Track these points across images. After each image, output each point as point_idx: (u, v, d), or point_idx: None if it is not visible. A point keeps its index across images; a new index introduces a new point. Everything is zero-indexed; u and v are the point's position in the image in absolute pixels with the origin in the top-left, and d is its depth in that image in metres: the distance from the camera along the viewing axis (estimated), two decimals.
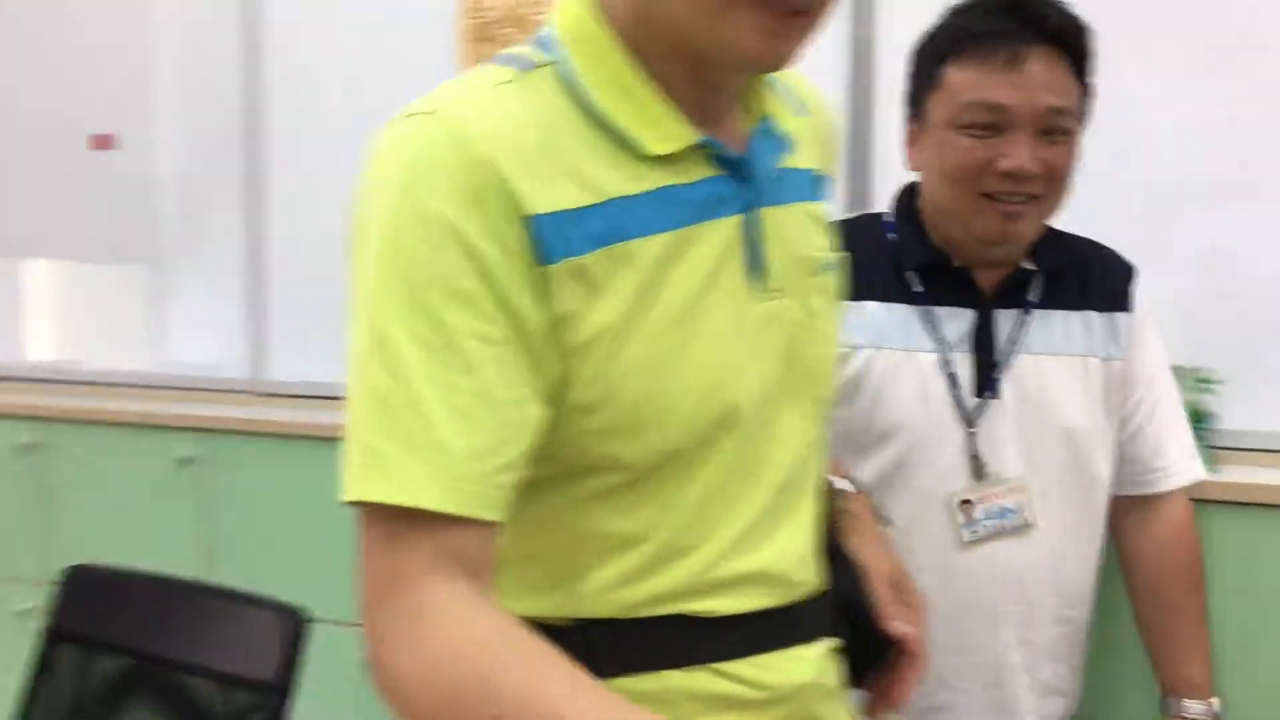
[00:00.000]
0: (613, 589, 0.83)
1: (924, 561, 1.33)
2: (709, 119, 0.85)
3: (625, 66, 0.83)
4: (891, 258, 1.45)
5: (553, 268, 0.78)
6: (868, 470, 1.40)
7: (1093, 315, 1.46)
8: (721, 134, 0.86)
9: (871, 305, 1.42)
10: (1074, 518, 1.44)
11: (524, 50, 0.84)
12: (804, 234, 0.92)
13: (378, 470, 0.74)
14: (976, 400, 1.41)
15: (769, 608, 0.88)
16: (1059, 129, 1.35)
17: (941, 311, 1.43)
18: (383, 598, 0.75)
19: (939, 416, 1.41)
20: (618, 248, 0.80)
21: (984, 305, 1.43)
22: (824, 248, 0.95)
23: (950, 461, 1.41)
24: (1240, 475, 1.68)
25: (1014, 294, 1.44)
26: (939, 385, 1.41)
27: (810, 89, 0.97)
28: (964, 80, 1.35)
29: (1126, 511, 1.51)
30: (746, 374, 0.85)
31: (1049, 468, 1.43)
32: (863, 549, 1.03)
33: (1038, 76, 1.33)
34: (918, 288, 1.43)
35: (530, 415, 0.77)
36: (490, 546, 0.77)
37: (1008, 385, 1.42)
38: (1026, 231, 1.40)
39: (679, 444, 0.82)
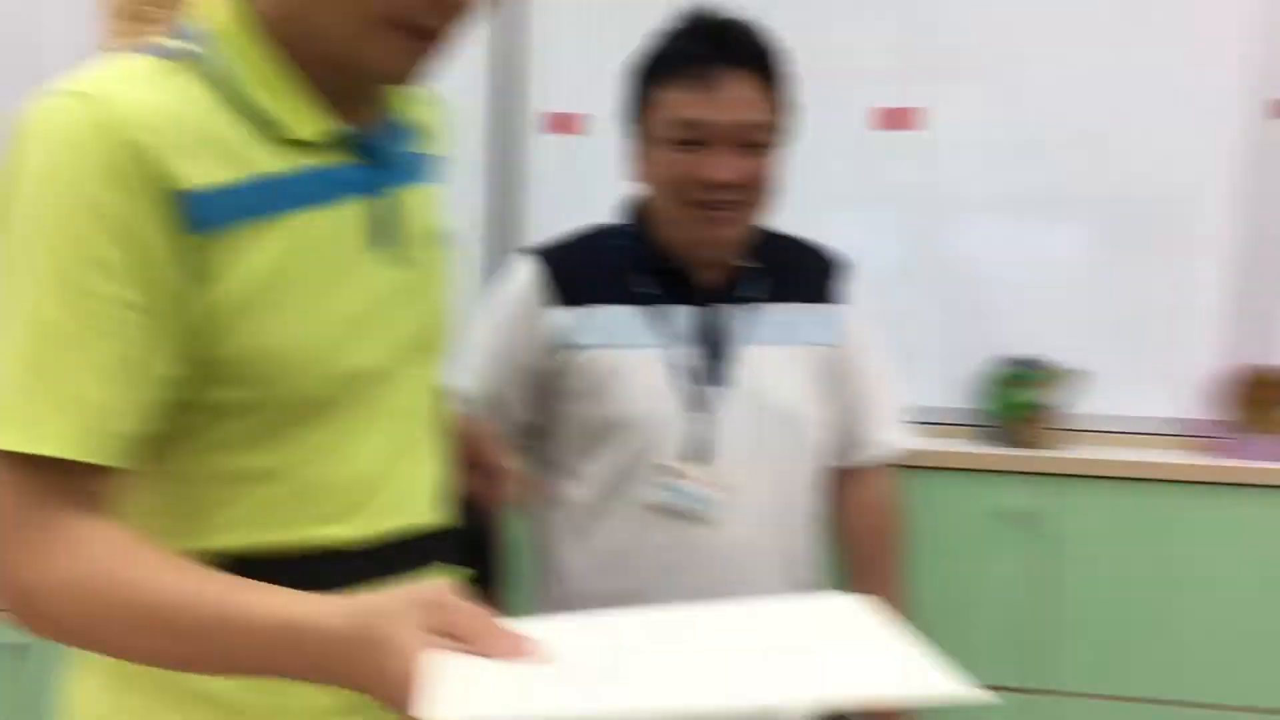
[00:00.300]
0: (252, 524, 0.91)
1: (625, 537, 1.51)
2: (347, 109, 0.93)
3: (269, 58, 0.90)
4: (618, 263, 1.54)
5: (200, 238, 0.85)
6: (606, 458, 1.52)
7: (810, 307, 1.58)
8: (358, 123, 0.95)
9: (600, 309, 1.53)
10: (791, 491, 1.56)
11: (166, 41, 0.91)
12: (428, 211, 1.04)
13: (20, 422, 0.82)
14: (701, 390, 1.51)
15: (397, 537, 0.98)
16: (755, 142, 1.47)
17: (669, 309, 1.53)
18: (17, 529, 0.83)
19: (665, 407, 1.50)
20: (262, 220, 0.88)
21: (708, 302, 1.54)
22: (443, 223, 1.07)
23: (675, 449, 1.50)
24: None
25: (735, 290, 1.55)
26: (664, 379, 1.51)
27: (430, 85, 1.03)
28: (669, 100, 1.47)
29: (837, 480, 1.64)
30: (378, 334, 0.96)
31: (770, 448, 1.53)
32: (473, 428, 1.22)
33: (732, 96, 1.46)
34: (646, 289, 1.53)
35: (167, 374, 0.86)
36: (117, 489, 0.86)
37: (732, 375, 1.52)
38: (732, 235, 1.52)
39: (316, 394, 0.92)
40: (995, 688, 0.75)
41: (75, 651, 0.93)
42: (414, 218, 1.00)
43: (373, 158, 0.95)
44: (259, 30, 0.89)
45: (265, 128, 0.89)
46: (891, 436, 1.65)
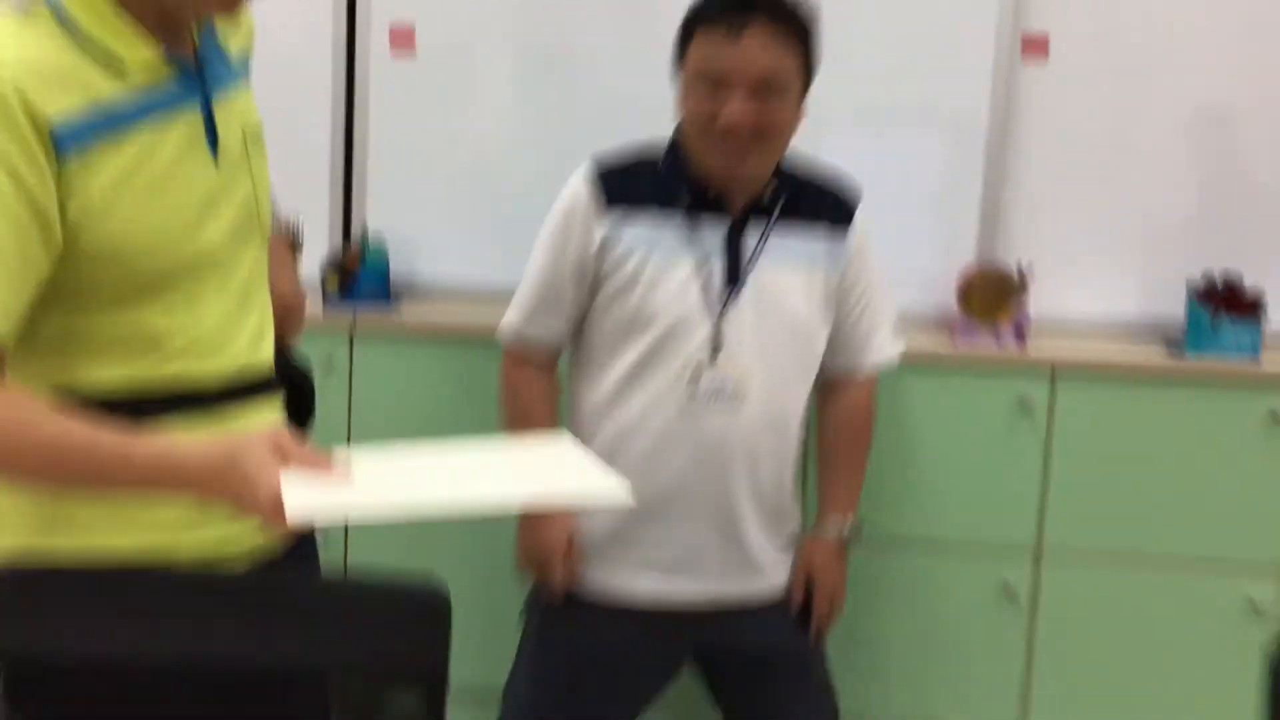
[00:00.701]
0: (121, 366, 1.18)
1: (665, 418, 1.77)
2: (170, 37, 1.17)
3: (104, 3, 1.13)
4: (660, 181, 1.79)
5: (66, 157, 1.09)
6: (633, 350, 1.78)
7: (820, 232, 1.82)
8: (181, 47, 1.18)
9: (644, 219, 1.78)
10: (793, 386, 1.84)
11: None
12: (245, 112, 1.29)
13: None
14: (724, 295, 1.78)
15: (238, 376, 1.25)
16: (771, 89, 1.69)
17: (700, 225, 1.78)
18: None
19: (692, 308, 1.77)
20: (109, 139, 1.12)
21: (734, 222, 1.79)
22: (258, 121, 1.32)
23: (696, 345, 1.77)
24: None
25: (759, 214, 1.79)
26: (694, 283, 1.77)
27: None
28: (700, 46, 1.72)
29: (832, 384, 1.92)
30: (211, 223, 1.21)
31: (776, 349, 1.80)
32: (274, 272, 1.39)
33: (751, 47, 1.68)
34: (682, 206, 1.78)
35: (43, 266, 1.10)
36: (4, 358, 1.10)
37: (749, 285, 1.78)
38: (748, 171, 1.76)
39: (164, 271, 1.18)
40: None
41: None
42: (234, 121, 1.25)
43: (196, 75, 1.19)
44: None
45: (106, 61, 1.12)
46: (884, 352, 1.92)
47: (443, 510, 1.04)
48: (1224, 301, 2.17)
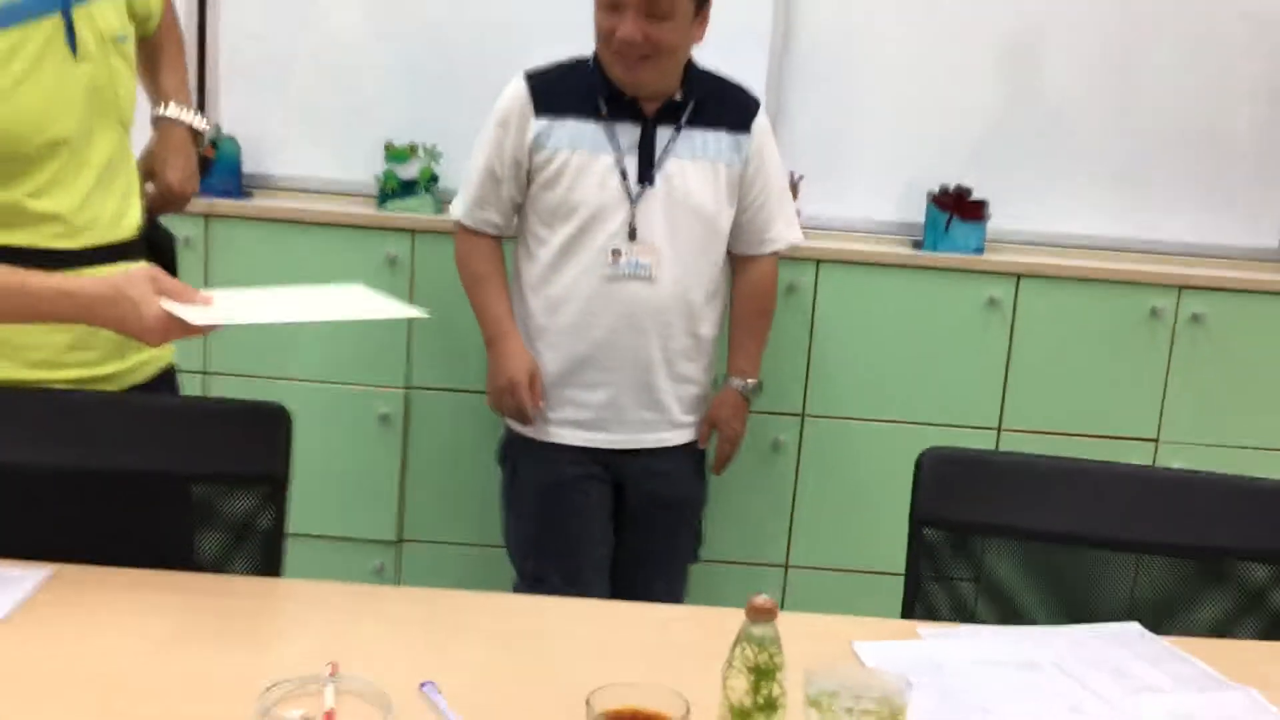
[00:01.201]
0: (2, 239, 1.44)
1: (589, 291, 2.07)
2: None
3: None
4: (583, 89, 2.06)
5: None
6: (561, 233, 2.07)
7: (723, 133, 2.10)
8: None
9: (568, 120, 2.05)
10: (698, 267, 2.12)
11: None
12: (110, 17, 1.52)
13: None
14: (638, 188, 2.06)
15: (105, 243, 1.53)
16: (656, 13, 1.94)
17: (618, 127, 2.06)
18: None
19: (611, 197, 2.05)
20: None
21: (646, 123, 2.07)
22: (123, 29, 1.55)
23: (615, 229, 2.06)
24: None
25: (668, 116, 2.07)
26: (613, 177, 2.05)
27: None
28: None
29: (740, 264, 2.23)
30: (67, 111, 1.46)
31: (683, 234, 2.09)
32: (163, 150, 1.73)
33: None
34: (601, 109, 2.05)
35: None
36: None
37: (660, 178, 2.06)
38: (646, 81, 2.03)
39: (30, 154, 1.43)
40: None
41: None
42: (94, 26, 1.48)
43: None
44: None
45: None
46: (784, 237, 2.20)
47: (284, 321, 1.39)
48: (955, 207, 2.61)
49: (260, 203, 2.60)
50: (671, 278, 2.08)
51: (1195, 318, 2.59)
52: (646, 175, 2.05)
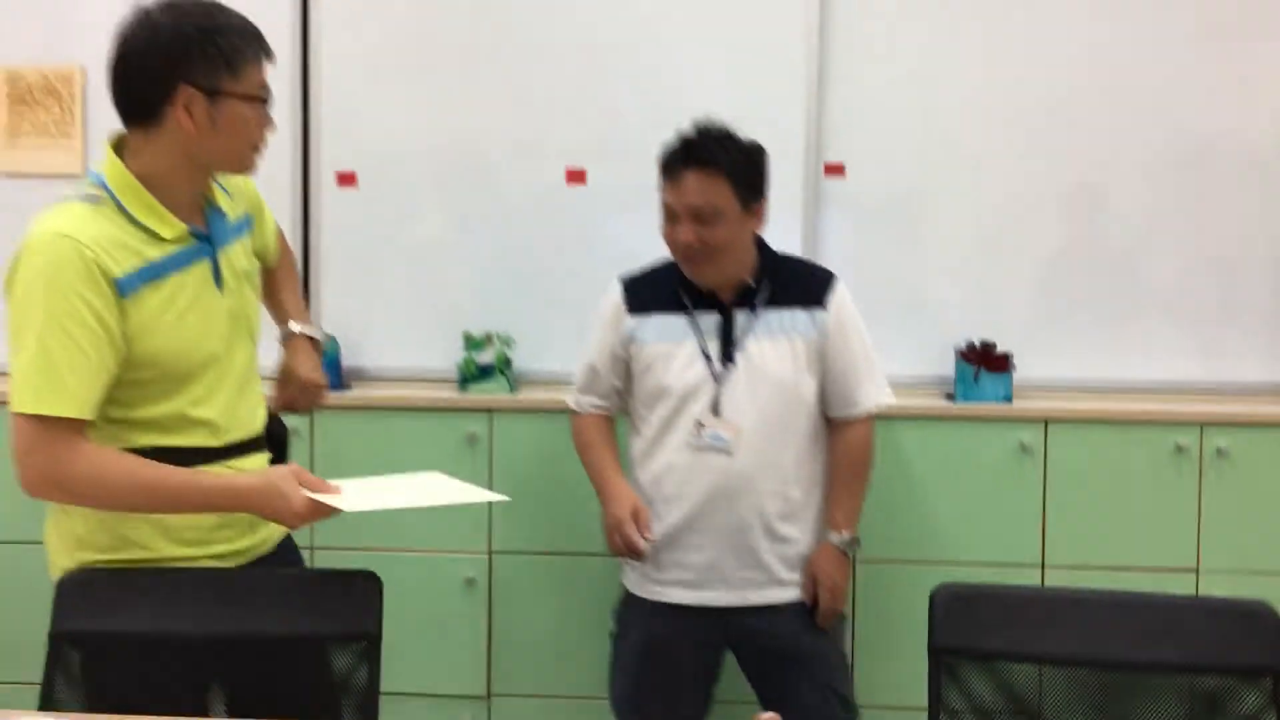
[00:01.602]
0: (157, 436, 1.75)
1: (682, 464, 2.30)
2: (189, 213, 1.78)
3: (145, 195, 1.73)
4: (667, 286, 2.36)
5: (125, 298, 1.68)
6: (658, 413, 2.33)
7: (798, 311, 2.32)
8: (196, 219, 1.80)
9: (657, 316, 2.35)
10: (783, 434, 2.31)
11: (91, 191, 1.73)
12: (241, 258, 1.89)
13: (38, 397, 1.63)
14: (721, 368, 2.30)
15: (241, 439, 1.85)
16: (703, 217, 2.23)
17: (700, 316, 2.33)
18: (47, 451, 1.65)
19: (697, 379, 2.30)
20: (154, 283, 1.72)
21: (725, 309, 2.33)
22: (253, 263, 1.93)
23: (702, 406, 2.29)
24: None
25: (744, 300, 2.32)
26: (698, 360, 2.31)
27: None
28: (663, 188, 2.30)
29: (834, 426, 2.38)
30: (216, 334, 1.80)
31: (765, 405, 2.29)
32: (294, 359, 2.08)
33: (687, 185, 2.25)
34: (686, 303, 2.33)
35: (111, 368, 1.68)
36: (87, 427, 1.67)
37: (740, 358, 2.29)
38: (709, 277, 2.31)
39: (185, 371, 1.76)
40: None
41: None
42: (233, 264, 1.84)
43: (206, 238, 1.80)
44: (134, 181, 1.72)
45: (147, 234, 1.72)
46: (872, 399, 2.36)
47: (396, 508, 1.75)
48: (982, 360, 2.83)
49: (357, 393, 2.95)
50: (754, 447, 2.27)
51: (1220, 452, 2.75)
52: (727, 356, 2.29)
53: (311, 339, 2.13)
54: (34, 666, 1.72)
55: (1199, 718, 1.65)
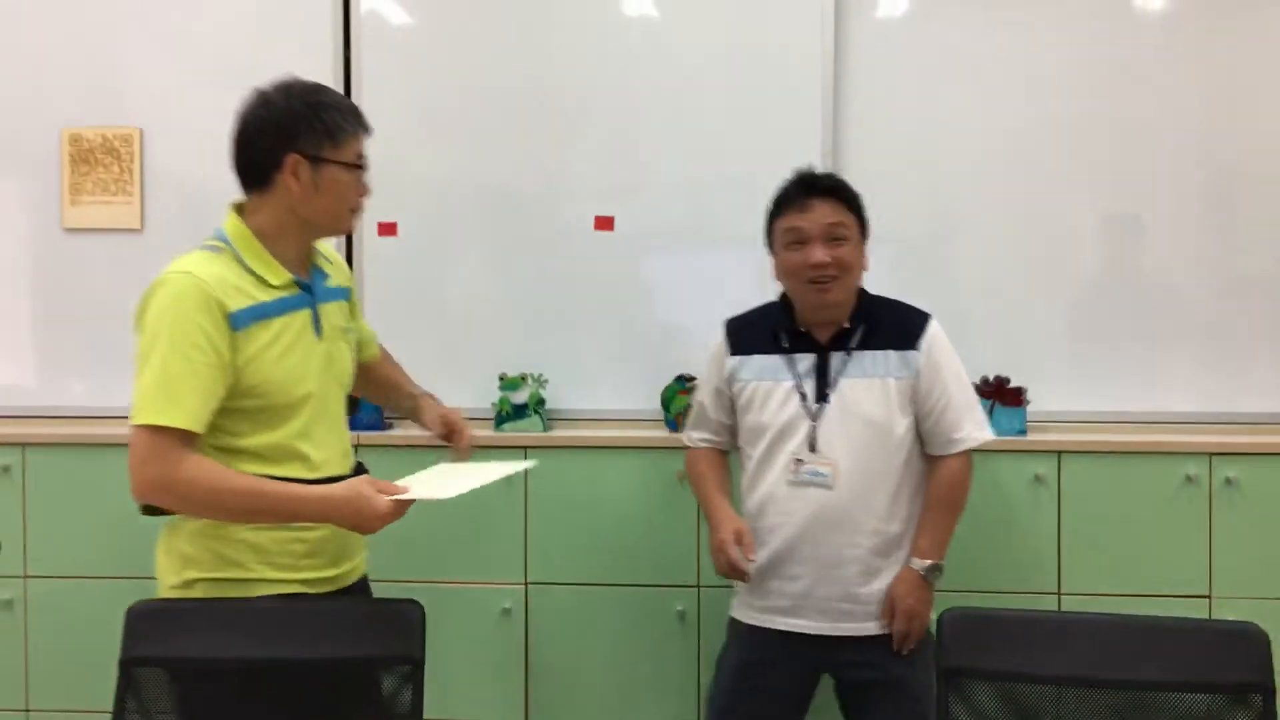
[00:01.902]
0: (258, 466, 1.95)
1: (781, 496, 2.40)
2: (295, 267, 2.04)
3: (257, 247, 2.00)
4: (767, 328, 2.49)
5: (236, 331, 1.92)
6: (759, 448, 2.44)
7: (890, 352, 2.41)
8: (302, 273, 2.06)
9: (757, 357, 2.47)
10: (877, 471, 2.39)
11: (213, 243, 2.00)
12: (339, 316, 2.13)
13: (156, 410, 1.85)
14: (816, 406, 2.40)
15: (332, 475, 2.02)
16: (837, 236, 2.38)
17: (797, 357, 2.44)
18: (161, 459, 1.85)
19: (793, 416, 2.41)
20: (262, 322, 1.96)
21: (821, 351, 2.43)
22: (349, 321, 2.18)
23: (799, 442, 2.40)
24: None
25: (839, 342, 2.43)
26: (794, 398, 2.41)
27: (332, 251, 2.22)
28: (784, 221, 2.43)
29: (932, 462, 2.46)
30: (313, 374, 2.03)
31: (859, 443, 2.38)
32: (440, 407, 2.36)
33: (818, 209, 2.40)
34: (784, 344, 2.45)
35: (220, 392, 1.91)
36: (200, 440, 1.89)
37: (834, 397, 2.40)
38: (837, 299, 2.40)
39: (287, 404, 1.98)
40: None
41: (163, 523, 2.00)
42: (330, 319, 2.09)
43: (308, 290, 2.05)
44: (250, 235, 2.00)
45: (259, 280, 1.98)
46: (969, 435, 2.42)
47: (458, 494, 1.93)
48: (997, 394, 2.94)
49: (398, 432, 3.09)
50: (849, 483, 2.37)
51: (1228, 481, 2.84)
52: (822, 395, 2.40)
53: (432, 397, 2.42)
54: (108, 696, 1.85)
55: None
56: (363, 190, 2.07)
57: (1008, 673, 1.80)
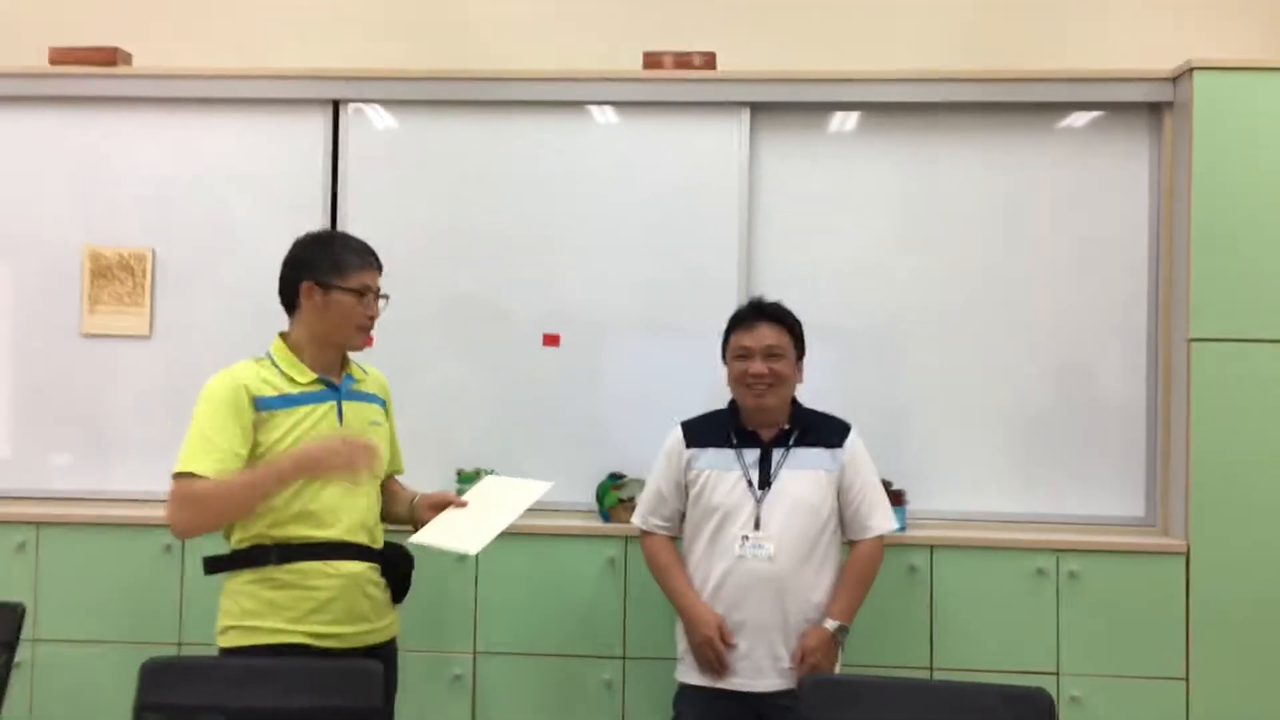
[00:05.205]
0: (272, 526, 2.48)
1: (726, 568, 2.83)
2: (324, 372, 2.58)
3: (290, 355, 2.57)
4: (719, 427, 2.96)
5: (261, 411, 2.48)
6: (707, 529, 2.88)
7: (822, 450, 2.92)
8: (332, 375, 2.59)
9: (710, 449, 2.93)
10: (808, 547, 2.85)
11: (258, 355, 2.57)
12: (370, 412, 2.65)
13: (187, 460, 2.41)
14: (760, 492, 2.86)
15: (347, 541, 2.52)
16: (775, 354, 2.89)
17: (745, 452, 2.91)
18: (185, 492, 2.40)
19: (740, 501, 2.86)
20: (286, 409, 2.51)
21: (765, 447, 2.91)
22: (379, 419, 2.70)
23: (744, 521, 2.85)
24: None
25: (780, 441, 2.91)
26: (741, 484, 2.88)
27: (372, 367, 2.77)
28: (735, 338, 2.94)
29: (851, 545, 2.93)
30: None
31: (795, 523, 2.83)
32: (419, 505, 2.75)
33: (761, 330, 2.91)
34: (733, 441, 2.92)
35: (243, 453, 2.46)
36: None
37: (775, 484, 2.87)
38: (769, 404, 2.89)
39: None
40: None
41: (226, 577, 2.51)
42: (359, 413, 2.60)
43: (335, 388, 2.56)
44: (285, 347, 2.57)
45: (288, 379, 2.53)
46: (880, 524, 2.91)
47: (487, 544, 2.54)
48: None
49: None
50: (786, 556, 2.81)
51: (1072, 574, 3.34)
52: (765, 482, 2.88)
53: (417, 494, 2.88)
54: None
55: None
56: (367, 311, 2.57)
57: None
